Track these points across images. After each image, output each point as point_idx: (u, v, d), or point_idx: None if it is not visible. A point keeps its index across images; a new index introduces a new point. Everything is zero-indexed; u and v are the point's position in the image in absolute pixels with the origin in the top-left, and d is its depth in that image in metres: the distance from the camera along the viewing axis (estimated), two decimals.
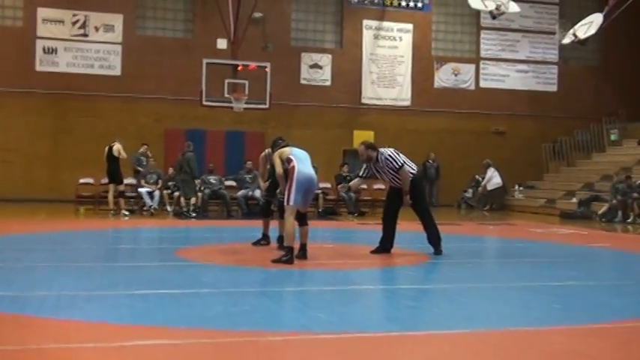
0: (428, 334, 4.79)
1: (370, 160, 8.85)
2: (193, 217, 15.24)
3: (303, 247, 8.22)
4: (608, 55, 24.50)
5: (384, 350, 4.39)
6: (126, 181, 16.23)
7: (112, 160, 15.30)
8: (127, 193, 16.47)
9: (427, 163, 22.17)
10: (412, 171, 8.87)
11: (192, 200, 15.77)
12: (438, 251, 9.00)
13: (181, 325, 4.75)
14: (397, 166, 8.74)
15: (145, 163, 17.16)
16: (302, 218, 8.28)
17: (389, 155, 8.83)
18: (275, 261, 7.81)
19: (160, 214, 16.01)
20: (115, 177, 15.37)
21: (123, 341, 4.35)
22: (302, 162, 8.19)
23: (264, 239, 9.70)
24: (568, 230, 14.06)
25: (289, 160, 8.16)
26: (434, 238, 9.08)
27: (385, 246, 9.06)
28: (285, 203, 8.12)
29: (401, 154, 8.94)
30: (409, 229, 14.15)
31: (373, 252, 9.03)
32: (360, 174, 9.29)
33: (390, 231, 9.09)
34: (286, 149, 8.42)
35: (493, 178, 21.13)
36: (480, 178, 21.88)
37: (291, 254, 7.87)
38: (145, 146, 17.71)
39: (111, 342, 4.33)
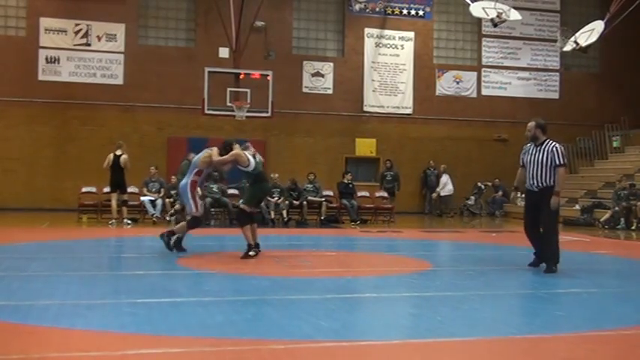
0: (430, 342, 4.78)
1: (535, 139, 8.54)
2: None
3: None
4: (609, 62, 24.52)
5: (387, 358, 4.39)
6: (129, 189, 16.16)
7: (119, 168, 15.06)
8: (129, 202, 16.42)
9: (428, 170, 22.23)
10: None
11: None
12: (549, 269, 8.33)
13: (184, 334, 4.75)
14: (558, 162, 8.31)
15: (153, 190, 16.75)
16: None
17: (558, 147, 8.42)
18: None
19: (162, 222, 16.00)
20: (121, 185, 15.17)
21: (125, 350, 4.35)
22: None
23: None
24: (571, 237, 14.03)
25: None
26: (548, 255, 8.44)
27: (541, 258, 8.61)
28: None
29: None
30: (412, 237, 14.16)
31: (531, 265, 8.66)
32: (521, 164, 8.79)
33: (539, 242, 8.62)
34: None
35: (447, 185, 21.39)
36: (483, 186, 21.95)
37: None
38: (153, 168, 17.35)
39: (113, 350, 4.33)
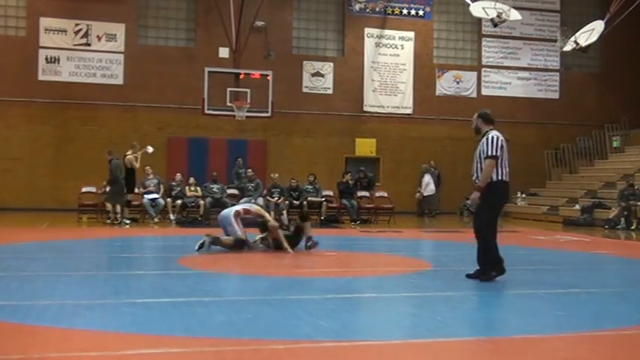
0: (430, 342, 4.78)
1: (477, 132, 7.61)
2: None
3: None
4: (609, 62, 24.52)
5: (387, 358, 4.38)
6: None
7: (127, 169, 15.33)
8: (132, 202, 16.42)
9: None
10: (498, 177, 7.27)
11: (118, 208, 15.40)
12: (482, 275, 7.43)
13: (184, 334, 4.74)
14: (486, 154, 7.24)
15: (152, 186, 16.49)
16: None
17: (492, 137, 7.35)
18: None
19: (161, 222, 15.99)
20: (128, 185, 15.35)
21: (125, 350, 4.35)
22: None
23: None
24: (571, 237, 14.04)
25: None
26: (480, 258, 7.48)
27: (500, 267, 7.46)
28: None
29: (504, 150, 7.36)
30: (412, 237, 14.17)
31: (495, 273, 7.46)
32: None
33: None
34: None
35: (430, 184, 21.34)
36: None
37: None
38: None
39: (113, 350, 4.33)
